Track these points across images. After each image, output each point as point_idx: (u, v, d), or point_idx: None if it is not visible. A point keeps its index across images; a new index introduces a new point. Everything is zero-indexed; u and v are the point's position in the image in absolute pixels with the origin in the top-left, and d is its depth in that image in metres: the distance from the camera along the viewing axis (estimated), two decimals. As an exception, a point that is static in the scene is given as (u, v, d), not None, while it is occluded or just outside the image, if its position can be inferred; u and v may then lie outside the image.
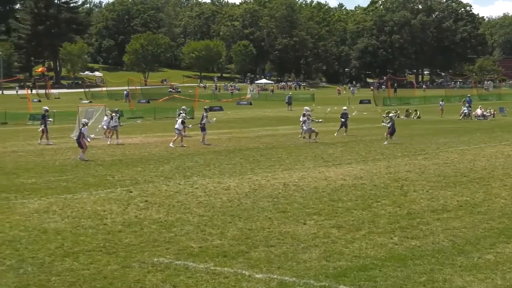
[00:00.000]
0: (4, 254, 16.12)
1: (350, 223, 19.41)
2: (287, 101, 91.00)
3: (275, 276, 14.34)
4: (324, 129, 48.11)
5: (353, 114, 57.11)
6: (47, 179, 28.07)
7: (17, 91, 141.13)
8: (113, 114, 43.29)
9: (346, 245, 16.95)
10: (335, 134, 46.83)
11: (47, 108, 45.39)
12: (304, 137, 44.52)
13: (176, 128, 41.44)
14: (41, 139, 42.51)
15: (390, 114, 45.47)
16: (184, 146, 40.11)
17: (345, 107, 51.45)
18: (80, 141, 34.31)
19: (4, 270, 14.86)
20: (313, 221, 19.64)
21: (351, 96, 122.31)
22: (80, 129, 34.79)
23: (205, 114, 43.26)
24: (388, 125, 42.70)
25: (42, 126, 42.59)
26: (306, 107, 48.93)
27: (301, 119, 45.45)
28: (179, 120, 41.81)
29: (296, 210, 21.27)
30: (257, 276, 14.38)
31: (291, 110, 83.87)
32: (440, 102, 75.36)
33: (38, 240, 17.54)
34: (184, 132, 42.98)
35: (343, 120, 48.31)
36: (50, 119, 43.64)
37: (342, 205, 22.14)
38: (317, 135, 43.70)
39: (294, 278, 14.21)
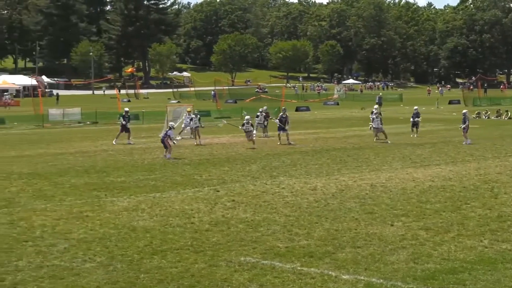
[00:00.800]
0: (95, 251, 16.44)
1: (438, 225, 19.13)
2: (377, 101, 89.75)
3: (362, 278, 14.24)
4: (404, 131, 47.52)
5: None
6: (136, 177, 28.52)
7: (104, 91, 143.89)
8: (193, 116, 43.63)
9: (434, 247, 16.72)
10: (411, 136, 46.10)
11: (128, 109, 46.16)
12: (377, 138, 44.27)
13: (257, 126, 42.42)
14: (124, 138, 43.36)
15: (464, 111, 44.50)
16: (255, 148, 40.00)
17: (416, 107, 50.25)
18: (165, 142, 34.92)
19: (95, 267, 15.14)
20: (400, 223, 19.44)
21: (440, 97, 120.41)
22: (167, 131, 35.36)
23: (282, 114, 43.22)
24: (464, 125, 42.06)
25: (126, 123, 43.48)
26: (376, 106, 48.90)
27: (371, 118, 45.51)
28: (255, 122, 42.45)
29: (383, 211, 21.09)
30: (343, 277, 14.31)
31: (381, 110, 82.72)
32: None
33: (127, 238, 17.83)
34: (266, 132, 43.18)
35: (412, 120, 47.41)
36: (124, 122, 44.17)
37: (430, 206, 21.84)
38: (386, 137, 43.45)
39: (381, 280, 14.08)
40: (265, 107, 49.28)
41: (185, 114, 45.11)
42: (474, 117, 48.30)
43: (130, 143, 42.66)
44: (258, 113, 47.10)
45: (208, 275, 14.52)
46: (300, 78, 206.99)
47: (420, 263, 15.36)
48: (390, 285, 13.79)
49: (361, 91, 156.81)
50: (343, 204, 22.28)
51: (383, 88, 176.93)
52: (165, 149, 35.15)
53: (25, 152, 38.84)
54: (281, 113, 43.41)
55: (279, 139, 42.11)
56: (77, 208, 21.73)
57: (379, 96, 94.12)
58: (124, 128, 43.55)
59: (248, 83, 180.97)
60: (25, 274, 14.59)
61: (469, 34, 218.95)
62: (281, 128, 42.23)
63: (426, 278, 14.26)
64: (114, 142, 42.76)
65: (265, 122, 46.96)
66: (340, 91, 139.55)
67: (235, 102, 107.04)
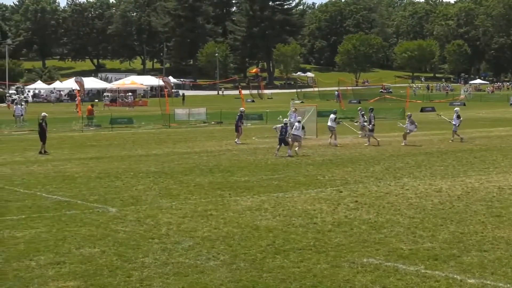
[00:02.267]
0: (219, 250, 16.65)
1: None
2: (511, 102, 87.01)
3: (488, 282, 13.91)
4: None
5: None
6: (260, 177, 28.74)
7: (222, 92, 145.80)
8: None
9: None
10: None
11: (243, 109, 46.58)
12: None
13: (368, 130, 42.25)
14: (237, 138, 43.89)
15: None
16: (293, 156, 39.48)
17: None
18: (285, 139, 35.63)
19: (218, 265, 15.34)
20: (529, 227, 18.90)
21: None
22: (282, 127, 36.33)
23: (371, 115, 42.68)
24: None
25: (242, 125, 43.99)
26: (456, 108, 47.57)
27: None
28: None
29: (511, 214, 20.53)
30: (469, 281, 14.01)
31: None
32: None
33: (250, 237, 17.98)
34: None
35: None
36: (243, 122, 44.88)
37: (561, 211, 21.15)
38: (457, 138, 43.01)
39: (508, 285, 13.72)
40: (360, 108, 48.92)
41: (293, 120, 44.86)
42: None
43: (237, 143, 43.09)
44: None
45: (331, 276, 14.50)
46: (422, 78, 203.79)
47: (550, 269, 14.90)
48: (518, 290, 13.43)
49: (492, 91, 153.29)
50: (469, 206, 21.83)
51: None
52: (287, 146, 35.93)
53: (152, 151, 39.76)
54: (371, 113, 43.04)
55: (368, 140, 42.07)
56: (201, 206, 22.08)
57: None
58: (236, 128, 44.44)
59: (366, 83, 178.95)
60: (151, 270, 14.94)
61: None
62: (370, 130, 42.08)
63: (556, 284, 13.81)
64: (237, 142, 43.23)
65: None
66: (467, 91, 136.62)
67: (359, 103, 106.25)
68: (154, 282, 14.18)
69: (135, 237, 17.95)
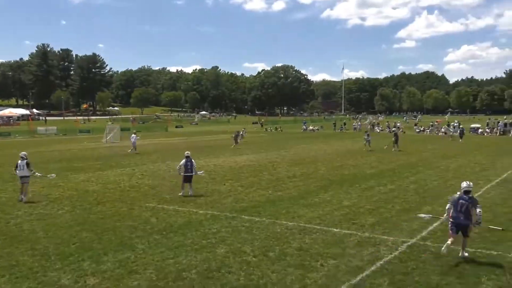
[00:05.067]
0: (64, 204, 15.53)
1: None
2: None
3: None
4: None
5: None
6: (89, 163, 26.92)
7: (63, 117, 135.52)
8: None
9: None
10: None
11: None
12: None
13: None
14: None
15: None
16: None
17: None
18: None
19: (64, 212, 14.28)
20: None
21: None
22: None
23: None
24: None
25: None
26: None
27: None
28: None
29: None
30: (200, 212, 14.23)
31: None
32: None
33: (84, 196, 16.95)
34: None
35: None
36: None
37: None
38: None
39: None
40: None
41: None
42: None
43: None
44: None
45: (129, 215, 14.17)
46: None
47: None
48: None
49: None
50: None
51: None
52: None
53: None
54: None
55: None
56: (55, 181, 20.12)
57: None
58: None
59: (133, 120, 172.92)
60: (23, 219, 13.64)
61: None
62: None
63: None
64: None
65: None
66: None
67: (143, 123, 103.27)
68: (24, 226, 13.04)
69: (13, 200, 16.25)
